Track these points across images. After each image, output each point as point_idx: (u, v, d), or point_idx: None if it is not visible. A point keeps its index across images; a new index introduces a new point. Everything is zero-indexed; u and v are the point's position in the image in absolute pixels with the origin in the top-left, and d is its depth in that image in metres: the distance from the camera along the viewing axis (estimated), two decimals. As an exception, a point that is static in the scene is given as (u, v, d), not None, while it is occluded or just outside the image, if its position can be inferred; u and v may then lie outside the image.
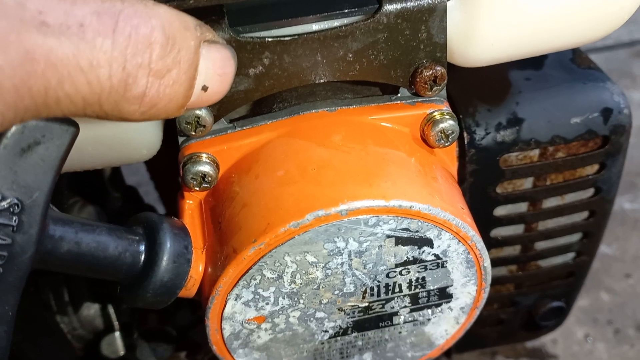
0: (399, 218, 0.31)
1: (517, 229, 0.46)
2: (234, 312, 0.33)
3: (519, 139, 0.41)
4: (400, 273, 0.33)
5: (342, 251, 0.31)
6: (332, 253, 0.31)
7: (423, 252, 0.33)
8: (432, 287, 0.35)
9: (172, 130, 0.35)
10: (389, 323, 0.36)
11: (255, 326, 0.34)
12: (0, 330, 0.25)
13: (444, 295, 0.35)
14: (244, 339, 0.34)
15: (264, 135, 0.34)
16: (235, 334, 0.34)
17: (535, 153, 0.42)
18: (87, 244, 0.28)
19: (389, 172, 0.32)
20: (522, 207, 0.45)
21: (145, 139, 0.34)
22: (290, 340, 0.35)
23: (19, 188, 0.24)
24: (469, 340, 0.55)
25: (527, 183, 0.44)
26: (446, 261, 0.33)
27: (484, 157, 0.41)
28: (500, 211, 0.44)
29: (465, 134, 0.40)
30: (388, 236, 0.31)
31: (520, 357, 0.81)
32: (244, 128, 0.35)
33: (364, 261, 0.32)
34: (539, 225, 0.46)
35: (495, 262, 0.48)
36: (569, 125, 0.41)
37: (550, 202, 0.45)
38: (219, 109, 0.34)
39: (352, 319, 0.35)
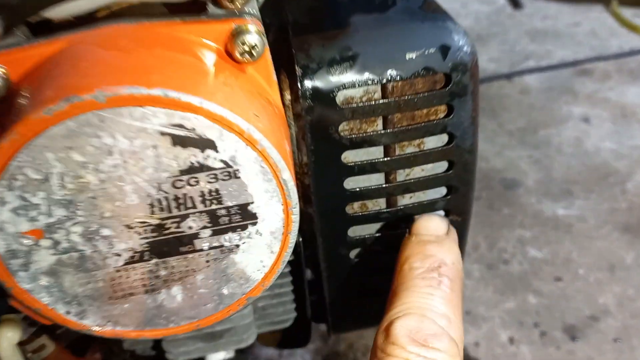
0: (170, 111, 0.29)
1: (375, 180, 0.44)
2: (2, 222, 0.30)
3: (354, 74, 0.40)
4: (188, 183, 0.31)
5: (112, 149, 0.29)
6: (101, 151, 0.29)
7: (208, 157, 0.31)
8: (230, 204, 0.32)
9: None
10: (191, 248, 0.33)
11: (33, 242, 0.31)
12: None
13: (247, 214, 0.33)
14: (25, 258, 0.32)
15: (57, 45, 0.33)
16: (11, 251, 0.31)
17: (375, 90, 0.41)
18: None
19: (167, 69, 0.30)
20: (375, 153, 0.43)
21: None
22: (80, 265, 0.33)
23: None
24: (348, 317, 0.52)
25: (377, 126, 0.42)
26: (238, 170, 0.31)
27: (319, 92, 0.40)
28: (350, 157, 0.43)
29: (297, 68, 0.39)
30: (162, 133, 0.29)
31: (439, 360, 0.76)
32: (40, 41, 0.33)
33: (141, 164, 0.30)
34: (398, 176, 0.44)
35: (360, 219, 0.46)
36: (404, 61, 0.40)
37: (406, 150, 0.44)
38: (10, 19, 0.33)
39: (146, 240, 0.33)
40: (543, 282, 0.88)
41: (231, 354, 0.54)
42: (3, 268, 0.32)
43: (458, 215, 0.47)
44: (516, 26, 1.50)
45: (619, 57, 1.31)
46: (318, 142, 0.41)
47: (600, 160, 1.07)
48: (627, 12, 1.48)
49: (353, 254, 0.47)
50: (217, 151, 0.31)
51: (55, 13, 0.34)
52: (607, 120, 1.15)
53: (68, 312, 0.34)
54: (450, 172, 0.44)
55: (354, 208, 0.46)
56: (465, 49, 0.41)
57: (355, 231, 0.47)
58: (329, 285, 0.50)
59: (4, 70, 0.32)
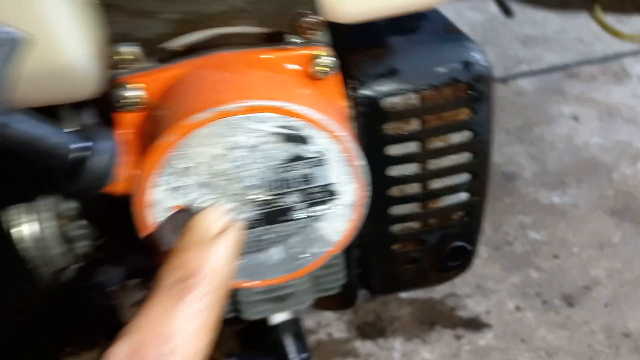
0: (280, 116, 0.40)
1: (412, 168, 0.56)
2: (155, 200, 0.42)
3: (396, 85, 0.52)
4: (291, 168, 0.43)
5: (240, 145, 0.41)
6: (231, 147, 0.41)
7: (305, 149, 0.42)
8: (319, 184, 0.44)
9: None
10: (290, 217, 0.45)
11: (177, 215, 0.42)
12: None
13: (331, 192, 0.44)
14: (170, 228, 0.43)
15: (183, 69, 0.44)
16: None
17: (413, 97, 0.52)
18: (32, 131, 0.36)
19: (274, 86, 0.42)
20: (412, 147, 0.55)
21: (90, 74, 0.44)
22: (209, 232, 0.44)
23: None
24: (388, 281, 0.64)
25: (413, 125, 0.54)
26: (326, 158, 0.43)
27: (369, 100, 0.51)
28: (392, 150, 0.54)
29: (353, 81, 0.51)
30: (273, 133, 0.41)
31: (457, 327, 0.88)
32: (168, 65, 0.45)
33: (258, 156, 0.42)
34: (430, 165, 0.56)
35: (399, 200, 0.57)
36: (436, 74, 0.52)
37: (436, 144, 0.55)
38: (148, 48, 0.44)
39: (258, 212, 0.44)
40: (543, 259, 1.00)
41: (290, 315, 0.65)
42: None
43: (478, 196, 0.59)
44: (508, 33, 1.63)
45: (603, 61, 1.44)
46: (369, 138, 0.53)
47: (589, 154, 1.19)
48: (610, 19, 1.61)
49: (394, 228, 0.59)
50: (312, 144, 0.42)
51: (173, 44, 0.46)
52: (594, 118, 1.27)
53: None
54: (474, 160, 0.56)
55: (394, 191, 0.57)
56: (482, 63, 0.53)
57: (395, 210, 0.58)
58: (372, 254, 0.61)
59: (144, 87, 0.44)
